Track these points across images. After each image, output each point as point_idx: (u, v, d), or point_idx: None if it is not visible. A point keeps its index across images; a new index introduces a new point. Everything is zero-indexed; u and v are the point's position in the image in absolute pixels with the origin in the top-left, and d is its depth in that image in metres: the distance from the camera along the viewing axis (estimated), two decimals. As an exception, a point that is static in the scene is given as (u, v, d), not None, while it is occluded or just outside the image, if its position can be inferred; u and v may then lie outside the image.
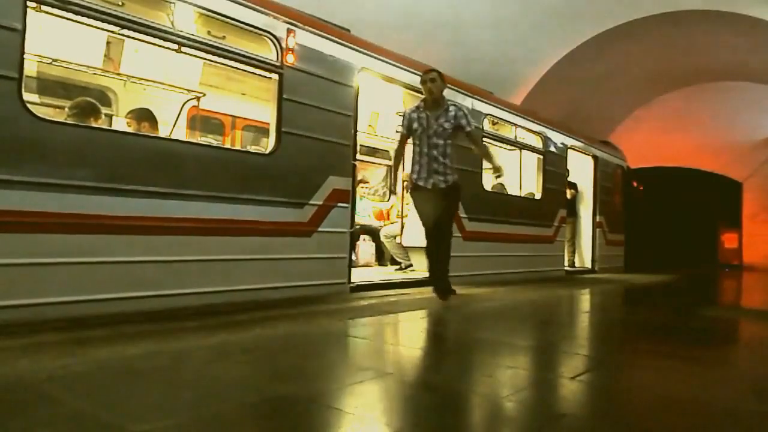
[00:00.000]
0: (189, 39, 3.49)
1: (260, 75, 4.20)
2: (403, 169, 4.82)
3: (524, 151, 7.34)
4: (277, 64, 3.90)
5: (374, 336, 2.96)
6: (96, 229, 2.97)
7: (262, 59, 3.85)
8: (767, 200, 14.71)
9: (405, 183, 5.15)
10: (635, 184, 11.42)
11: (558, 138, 7.69)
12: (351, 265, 4.52)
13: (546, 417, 1.72)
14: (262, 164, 3.89)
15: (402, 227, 6.07)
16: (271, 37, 3.87)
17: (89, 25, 3.52)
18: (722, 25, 10.09)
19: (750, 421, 1.76)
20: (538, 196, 7.42)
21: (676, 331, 3.67)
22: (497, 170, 4.59)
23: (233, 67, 4.22)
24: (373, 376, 2.09)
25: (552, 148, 7.51)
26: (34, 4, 2.92)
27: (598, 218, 8.85)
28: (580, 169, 8.71)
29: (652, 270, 10.22)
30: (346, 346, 2.79)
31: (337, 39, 4.38)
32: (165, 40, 3.46)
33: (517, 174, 7.59)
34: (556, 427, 1.60)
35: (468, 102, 5.89)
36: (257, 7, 3.78)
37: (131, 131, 4.01)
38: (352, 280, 4.51)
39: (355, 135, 4.56)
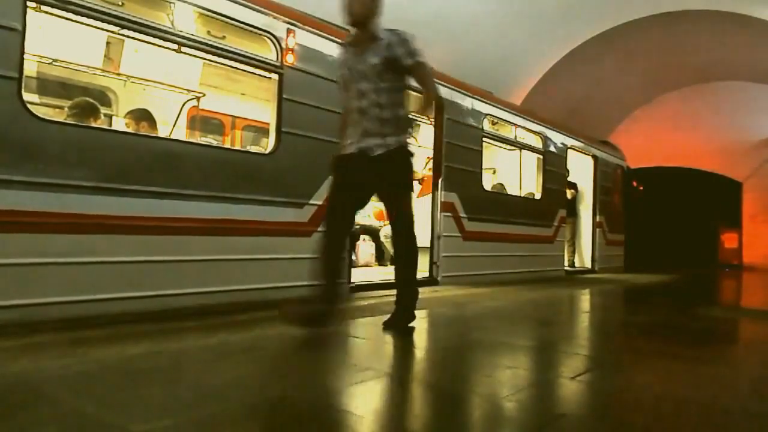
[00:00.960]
0: (189, 39, 3.49)
1: (260, 75, 4.20)
2: None
3: (524, 151, 7.34)
4: (277, 64, 3.90)
5: (374, 336, 2.96)
6: (96, 229, 2.97)
7: (261, 59, 3.85)
8: (767, 200, 14.72)
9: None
10: (635, 184, 11.42)
11: (558, 138, 7.69)
12: (351, 265, 4.51)
13: (546, 417, 1.72)
14: (262, 164, 3.90)
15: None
16: (271, 37, 3.87)
17: (89, 25, 3.52)
18: (722, 25, 10.10)
19: (750, 421, 1.76)
20: (538, 196, 7.43)
21: (677, 331, 3.66)
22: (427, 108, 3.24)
23: (233, 67, 4.22)
24: (373, 376, 2.08)
25: (552, 148, 7.51)
26: (33, 4, 2.92)
27: (598, 218, 8.85)
28: (580, 169, 8.71)
29: (652, 270, 10.22)
30: (346, 346, 2.79)
31: (337, 39, 4.38)
32: (165, 40, 3.46)
33: (517, 174, 7.59)
34: (555, 427, 1.60)
35: (468, 102, 5.89)
36: (257, 7, 3.78)
37: (131, 131, 4.01)
38: (352, 280, 4.51)
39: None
